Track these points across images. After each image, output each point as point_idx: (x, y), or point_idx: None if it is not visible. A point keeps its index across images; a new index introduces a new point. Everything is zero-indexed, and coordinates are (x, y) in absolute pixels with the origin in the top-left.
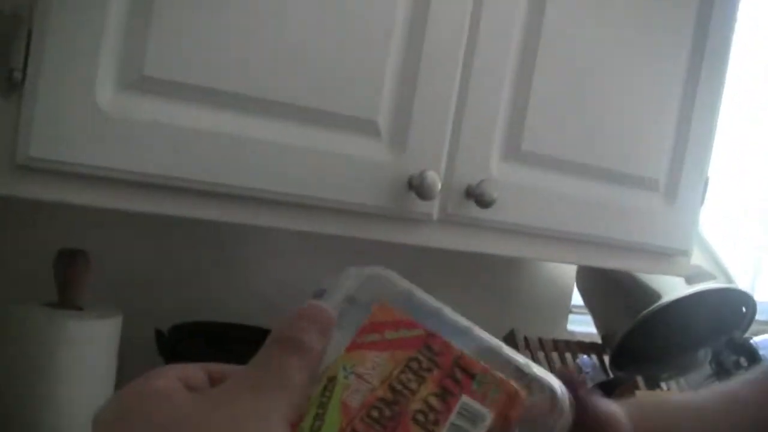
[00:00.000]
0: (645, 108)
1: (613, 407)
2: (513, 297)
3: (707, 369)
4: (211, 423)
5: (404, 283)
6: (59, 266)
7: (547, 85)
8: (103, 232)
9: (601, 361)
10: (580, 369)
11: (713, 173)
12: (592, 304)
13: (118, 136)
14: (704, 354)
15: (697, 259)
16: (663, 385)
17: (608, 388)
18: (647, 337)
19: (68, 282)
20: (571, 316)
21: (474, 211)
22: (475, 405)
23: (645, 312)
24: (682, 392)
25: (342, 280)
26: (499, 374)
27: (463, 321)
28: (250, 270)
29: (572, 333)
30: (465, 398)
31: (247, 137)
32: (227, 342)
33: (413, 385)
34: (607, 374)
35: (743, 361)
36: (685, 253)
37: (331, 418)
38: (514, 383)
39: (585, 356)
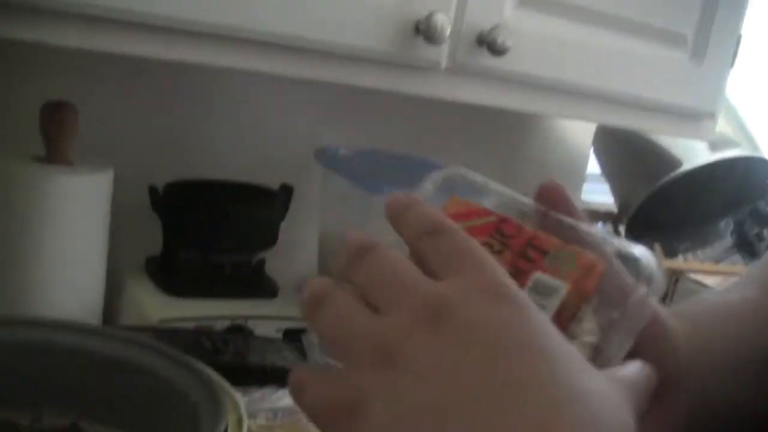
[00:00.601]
0: None
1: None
2: (525, 162)
3: (728, 240)
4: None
5: (477, 177)
6: (45, 119)
7: None
8: (92, 84)
9: (617, 231)
10: None
11: (746, 32)
12: (609, 171)
13: None
14: (725, 225)
15: (722, 126)
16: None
17: None
18: (666, 205)
19: (55, 136)
20: (585, 185)
21: (486, 59)
22: (548, 279)
23: (665, 179)
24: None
25: (422, 186)
26: (574, 247)
27: (538, 205)
28: (248, 126)
29: (587, 203)
30: (537, 274)
31: None
32: (223, 199)
33: None
34: None
35: (766, 232)
36: (711, 116)
37: None
38: (589, 254)
39: (600, 224)
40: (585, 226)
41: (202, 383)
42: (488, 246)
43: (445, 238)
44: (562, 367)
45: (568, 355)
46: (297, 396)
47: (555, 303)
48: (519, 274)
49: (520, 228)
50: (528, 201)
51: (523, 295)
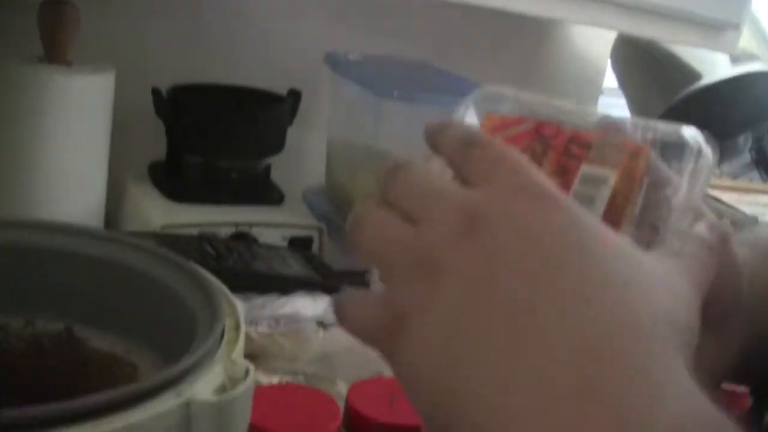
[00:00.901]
0: None
1: None
2: (542, 71)
3: (746, 156)
4: None
5: (509, 90)
6: (44, 17)
7: None
8: None
9: None
10: None
11: None
12: (626, 83)
13: None
14: (744, 140)
15: (745, 39)
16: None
17: None
18: (685, 119)
19: (54, 35)
20: (602, 99)
21: None
22: (596, 170)
23: (684, 92)
24: None
25: (458, 108)
26: (617, 135)
27: (573, 105)
28: (255, 28)
29: None
30: (584, 167)
31: None
32: (229, 104)
33: None
34: None
35: None
36: (736, 27)
37: None
38: (635, 140)
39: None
40: (630, 118)
41: (200, 288)
42: (531, 150)
43: (480, 148)
44: (607, 262)
45: (613, 248)
46: (341, 320)
47: (606, 192)
48: (566, 173)
49: (559, 128)
50: (558, 101)
51: (561, 194)
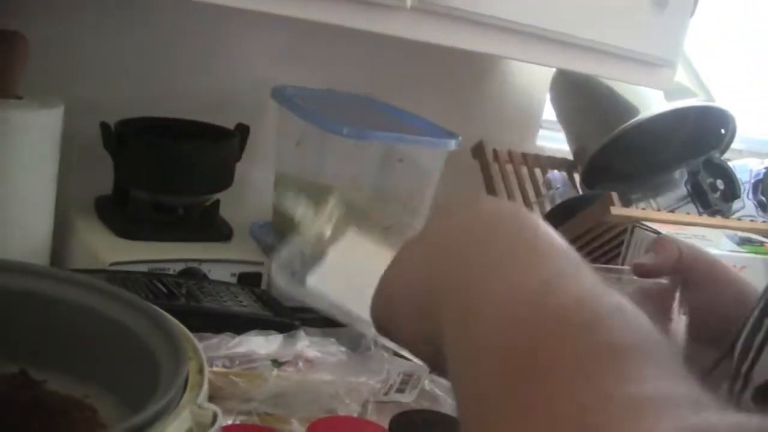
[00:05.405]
0: None
1: None
2: (483, 105)
3: (682, 190)
4: None
5: None
6: None
7: None
8: (42, 15)
9: (571, 178)
10: (550, 184)
11: None
12: (565, 117)
13: None
14: (680, 174)
15: (678, 75)
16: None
17: (580, 205)
18: (621, 154)
19: (3, 67)
20: (541, 132)
21: None
22: None
23: (621, 127)
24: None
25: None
26: None
27: None
28: (204, 63)
29: (541, 148)
30: None
31: None
32: (178, 138)
33: None
34: (578, 191)
35: (720, 183)
36: (671, 64)
37: None
38: None
39: (555, 171)
40: None
41: (160, 329)
42: None
43: None
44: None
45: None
46: None
47: None
48: None
49: None
50: None
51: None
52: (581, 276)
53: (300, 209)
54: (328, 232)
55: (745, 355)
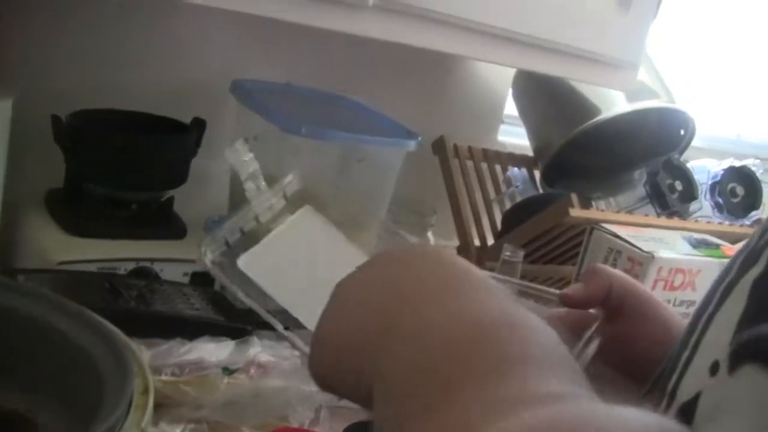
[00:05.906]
0: None
1: None
2: (444, 101)
3: (641, 191)
4: None
5: None
6: None
7: None
8: None
9: (532, 175)
10: (510, 181)
11: None
12: (527, 114)
13: None
14: (639, 175)
15: (640, 76)
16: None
17: (539, 204)
18: (582, 153)
19: None
20: (502, 127)
21: None
22: None
23: (583, 126)
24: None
25: None
26: None
27: None
28: (160, 55)
29: (503, 144)
30: None
31: None
32: (132, 132)
33: None
34: (538, 189)
35: (678, 184)
36: (633, 66)
37: None
38: None
39: (516, 168)
40: None
41: (106, 342)
42: None
43: None
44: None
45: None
46: None
47: None
48: None
49: None
50: None
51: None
52: (490, 299)
53: (250, 183)
54: (279, 206)
55: (671, 373)
